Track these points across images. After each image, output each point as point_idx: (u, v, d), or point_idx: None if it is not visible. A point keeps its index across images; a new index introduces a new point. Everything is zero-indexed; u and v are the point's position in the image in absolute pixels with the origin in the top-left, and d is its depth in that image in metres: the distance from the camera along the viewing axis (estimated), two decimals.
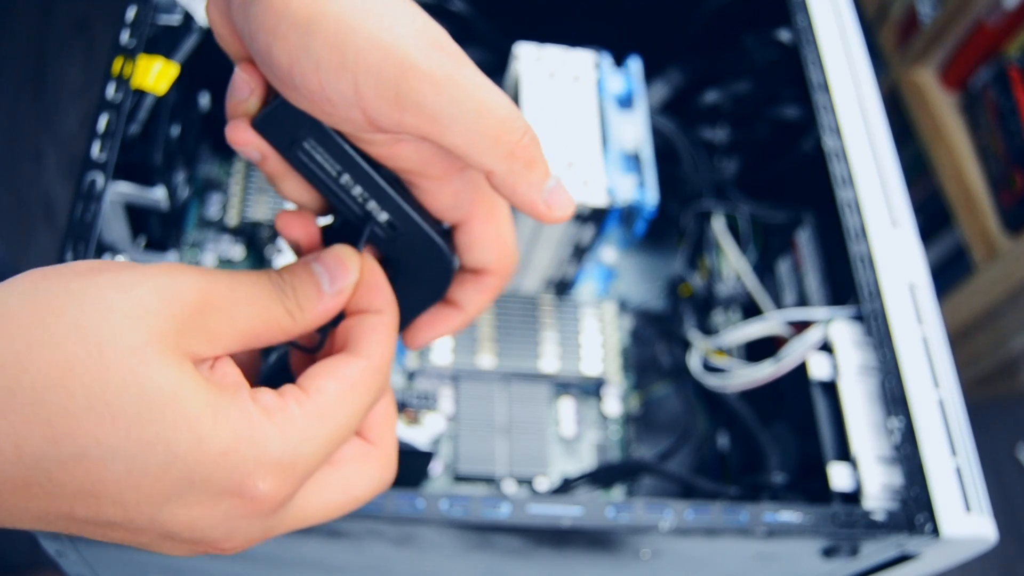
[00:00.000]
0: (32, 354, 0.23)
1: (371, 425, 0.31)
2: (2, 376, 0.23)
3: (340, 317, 0.31)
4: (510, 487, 0.55)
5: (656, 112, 0.61)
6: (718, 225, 0.58)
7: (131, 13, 0.46)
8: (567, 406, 0.58)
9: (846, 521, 0.40)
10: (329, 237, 0.32)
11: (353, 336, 0.30)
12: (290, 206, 0.33)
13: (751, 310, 0.57)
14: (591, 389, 0.59)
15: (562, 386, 0.59)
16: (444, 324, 0.35)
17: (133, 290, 0.25)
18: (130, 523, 0.25)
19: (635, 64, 0.57)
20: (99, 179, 0.41)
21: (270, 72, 0.28)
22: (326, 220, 0.33)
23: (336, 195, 0.31)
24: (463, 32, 0.60)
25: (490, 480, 0.55)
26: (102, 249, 0.49)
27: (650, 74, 0.61)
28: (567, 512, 0.39)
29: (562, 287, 0.60)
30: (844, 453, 0.45)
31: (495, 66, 0.59)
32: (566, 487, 0.52)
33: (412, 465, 0.48)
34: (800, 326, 0.50)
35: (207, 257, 0.58)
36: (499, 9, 0.59)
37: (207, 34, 0.50)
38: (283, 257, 0.56)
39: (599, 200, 0.50)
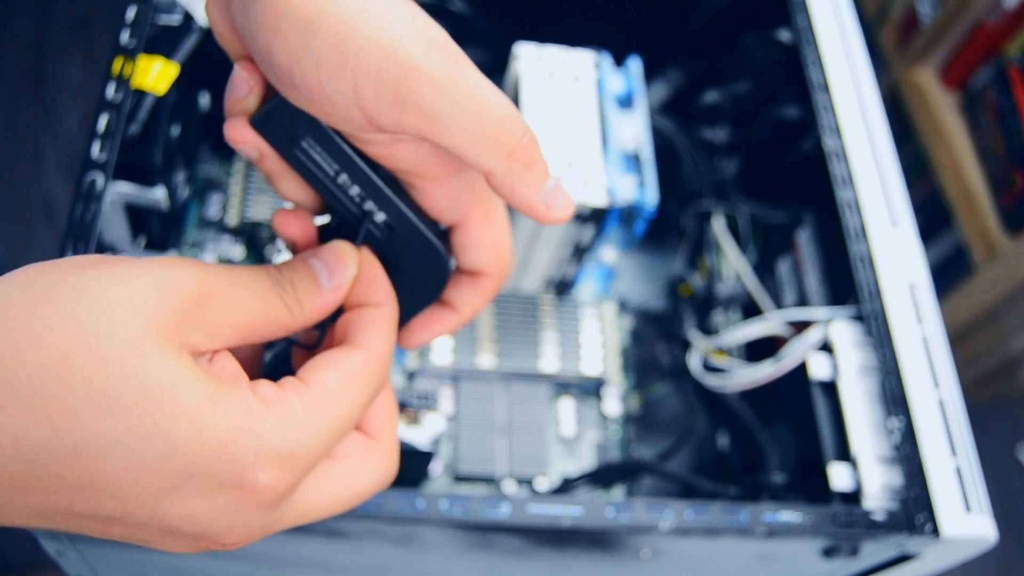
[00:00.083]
0: (30, 346, 0.23)
1: (372, 419, 0.31)
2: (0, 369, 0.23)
3: (338, 313, 0.31)
4: (510, 487, 0.55)
5: (656, 112, 0.61)
6: (718, 225, 0.58)
7: (131, 13, 0.46)
8: (567, 406, 0.58)
9: (846, 521, 0.40)
10: (326, 237, 0.32)
11: (353, 329, 0.30)
12: (289, 206, 0.33)
13: (751, 310, 0.57)
14: (591, 389, 0.59)
15: (562, 386, 0.59)
16: (439, 325, 0.35)
17: (131, 282, 0.25)
18: (130, 517, 0.25)
19: (635, 64, 0.57)
20: (99, 179, 0.41)
21: (269, 71, 0.28)
22: (323, 219, 0.33)
23: (333, 195, 0.31)
24: (463, 32, 0.60)
25: (490, 480, 0.55)
26: (102, 249, 0.49)
27: (650, 74, 0.61)
28: (567, 512, 0.39)
29: (562, 287, 0.60)
30: (844, 453, 0.45)
31: (495, 66, 0.59)
32: (566, 487, 0.52)
33: (412, 465, 0.48)
34: (800, 326, 0.50)
35: (207, 257, 0.58)
36: (499, 9, 0.59)
37: (207, 34, 0.50)
38: (283, 257, 0.56)
39: (599, 200, 0.50)
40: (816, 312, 0.49)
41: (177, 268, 0.26)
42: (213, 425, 0.25)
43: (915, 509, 0.41)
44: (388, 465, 0.31)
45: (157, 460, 0.24)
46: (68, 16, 1.56)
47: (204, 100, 0.58)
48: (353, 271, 0.31)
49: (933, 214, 1.27)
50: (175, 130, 0.51)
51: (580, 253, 0.56)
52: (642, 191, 0.52)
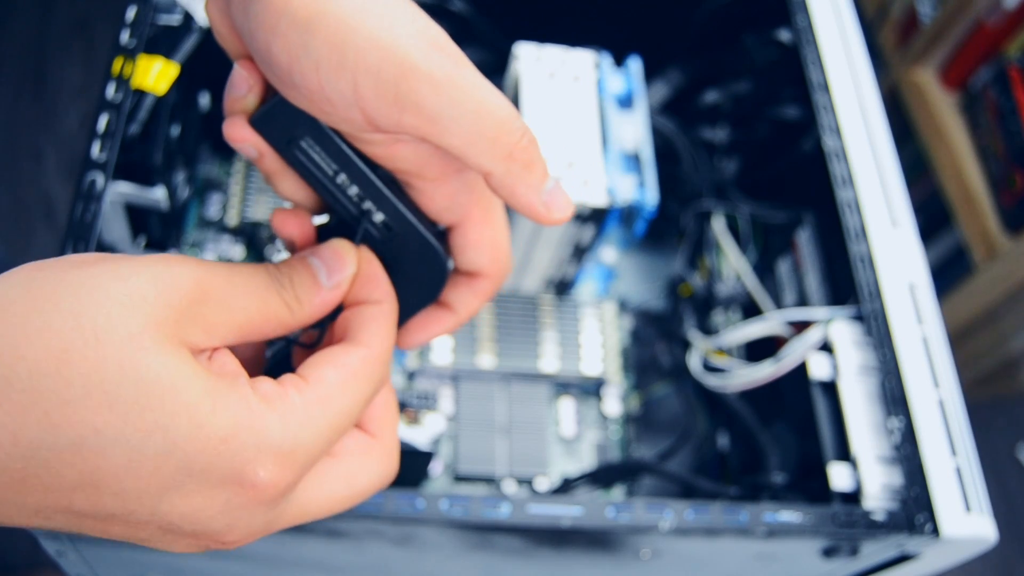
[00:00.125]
0: (29, 342, 0.23)
1: (372, 418, 0.31)
2: None
3: (337, 312, 0.31)
4: (510, 487, 0.55)
5: (656, 112, 0.61)
6: (718, 225, 0.58)
7: (131, 13, 0.46)
8: (567, 406, 0.58)
9: (846, 521, 0.40)
10: (324, 236, 0.32)
11: (353, 326, 0.30)
12: (288, 206, 0.33)
13: (751, 310, 0.57)
14: (591, 389, 0.59)
15: (562, 386, 0.59)
16: (437, 325, 0.35)
17: (130, 279, 0.25)
18: (130, 515, 0.25)
19: (635, 64, 0.57)
20: (99, 179, 0.41)
21: (269, 70, 0.28)
22: (322, 219, 0.33)
23: (332, 194, 0.31)
24: (463, 32, 0.60)
25: (490, 480, 0.55)
26: (102, 249, 0.49)
27: (650, 74, 0.61)
28: (567, 512, 0.39)
29: (562, 287, 0.60)
30: (844, 453, 0.45)
31: (495, 66, 0.59)
32: (566, 487, 0.52)
33: (412, 465, 0.48)
34: (800, 326, 0.50)
35: (207, 257, 0.58)
36: (499, 9, 0.59)
37: (207, 34, 0.50)
38: (283, 257, 0.56)
39: (599, 200, 0.50)
40: (816, 312, 0.49)
41: (176, 265, 0.26)
42: (213, 421, 0.24)
43: (915, 509, 0.41)
44: (388, 463, 0.31)
45: (157, 456, 0.24)
46: (68, 16, 1.56)
47: (204, 100, 0.58)
48: (352, 269, 0.31)
49: (933, 214, 1.27)
50: (175, 130, 0.51)
51: (580, 253, 0.56)
52: (642, 191, 0.52)
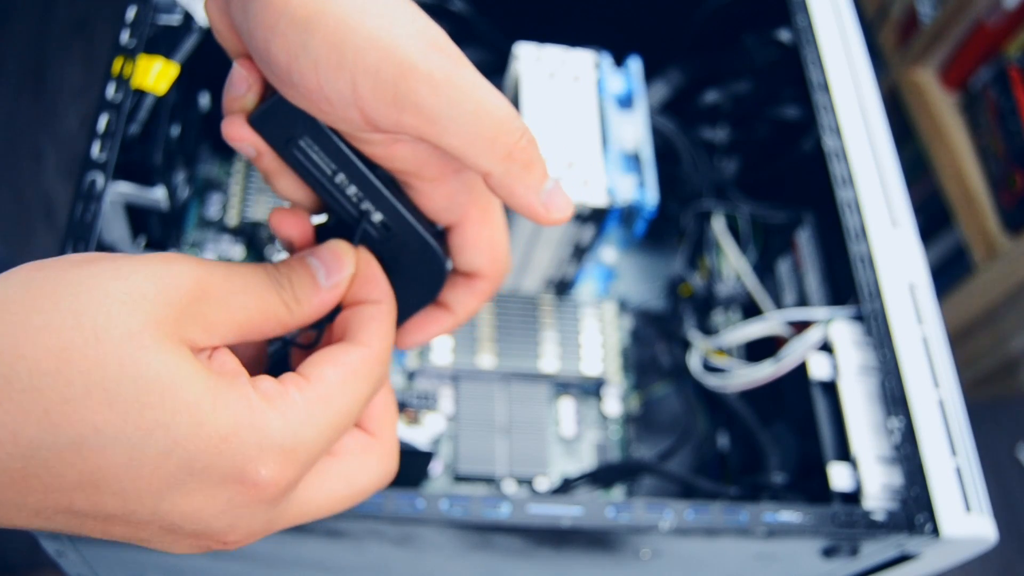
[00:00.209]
0: (28, 341, 0.23)
1: (371, 417, 0.31)
2: None
3: (335, 313, 0.31)
4: (510, 487, 0.55)
5: (656, 112, 0.61)
6: (718, 225, 0.58)
7: (131, 13, 0.46)
8: (567, 406, 0.58)
9: (846, 521, 0.40)
10: (323, 236, 0.32)
11: (352, 326, 0.30)
12: (287, 205, 0.33)
13: (751, 310, 0.57)
14: (591, 389, 0.59)
15: (562, 386, 0.59)
16: (435, 326, 0.35)
17: (129, 278, 0.25)
18: (131, 515, 0.25)
19: (635, 64, 0.57)
20: (99, 179, 0.41)
21: (268, 69, 0.28)
22: (320, 219, 0.33)
23: (331, 194, 0.31)
24: (463, 32, 0.60)
25: (490, 480, 0.55)
26: (102, 249, 0.49)
27: (650, 74, 0.61)
28: (567, 512, 0.39)
29: (562, 287, 0.60)
30: (844, 453, 0.45)
31: (495, 66, 0.59)
32: (566, 487, 0.52)
33: (412, 465, 0.48)
34: (800, 326, 0.50)
35: (207, 257, 0.58)
36: (499, 9, 0.59)
37: (207, 34, 0.50)
38: (283, 258, 0.56)
39: (599, 200, 0.50)
40: (816, 312, 0.49)
41: (175, 264, 0.26)
42: (214, 419, 0.24)
43: (915, 509, 0.41)
44: (388, 463, 0.31)
45: (158, 455, 0.24)
46: (68, 16, 1.56)
47: (204, 100, 0.58)
48: (351, 270, 0.31)
49: (933, 214, 1.27)
50: (175, 130, 0.51)
51: (580, 253, 0.56)
52: (642, 191, 0.52)
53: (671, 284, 0.61)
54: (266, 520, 0.27)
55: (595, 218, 0.52)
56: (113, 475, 0.24)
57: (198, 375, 0.25)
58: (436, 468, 0.55)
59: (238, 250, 0.59)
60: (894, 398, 0.44)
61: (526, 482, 0.55)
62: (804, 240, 0.56)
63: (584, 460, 0.57)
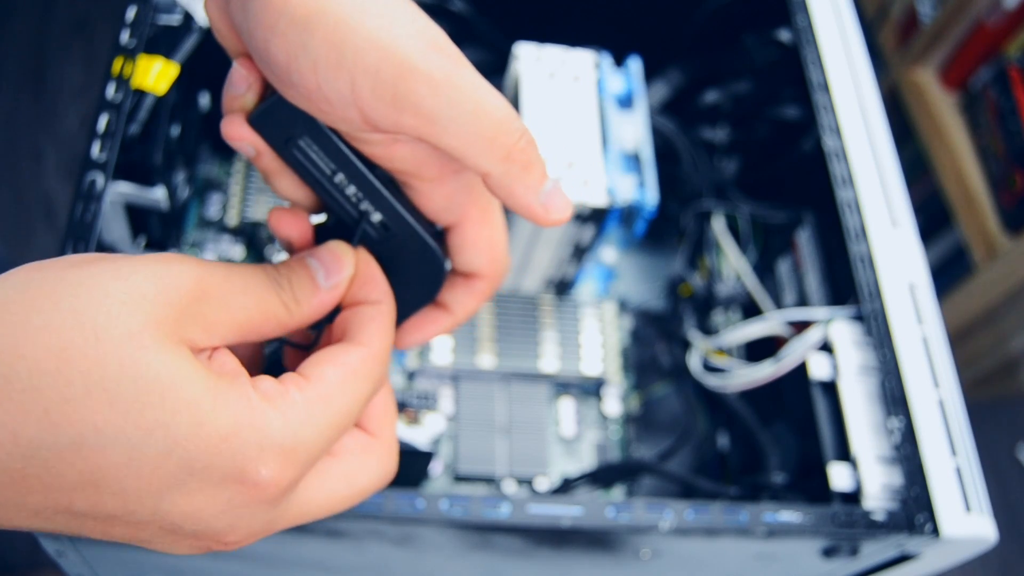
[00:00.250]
0: (28, 341, 0.23)
1: (371, 417, 0.31)
2: None
3: (334, 314, 0.31)
4: (510, 487, 0.55)
5: (656, 112, 0.61)
6: (718, 225, 0.58)
7: (131, 13, 0.46)
8: (567, 406, 0.58)
9: (846, 521, 0.40)
10: (322, 236, 0.32)
11: (351, 326, 0.30)
12: (287, 205, 0.33)
13: (751, 310, 0.57)
14: (591, 389, 0.59)
15: (562, 386, 0.59)
16: (434, 326, 0.35)
17: (129, 278, 0.25)
18: (131, 516, 0.25)
19: (635, 64, 0.57)
20: (99, 179, 0.41)
21: (267, 69, 0.28)
22: (319, 218, 0.33)
23: (330, 194, 0.31)
24: (463, 32, 0.60)
25: (490, 480, 0.55)
26: (102, 249, 0.49)
27: (650, 74, 0.61)
28: (567, 512, 0.39)
29: (562, 287, 0.60)
30: (844, 453, 0.45)
31: (495, 66, 0.59)
32: (566, 487, 0.52)
33: (412, 465, 0.48)
34: (800, 326, 0.50)
35: (207, 257, 0.58)
36: (499, 9, 0.59)
37: (207, 34, 0.50)
38: (282, 258, 0.56)
39: (599, 200, 0.50)
40: (816, 312, 0.49)
41: (175, 264, 0.26)
42: (214, 419, 0.24)
43: (915, 509, 0.41)
44: (388, 462, 0.31)
45: (158, 455, 0.24)
46: (68, 16, 1.56)
47: (204, 100, 0.58)
48: (350, 270, 0.31)
49: (933, 214, 1.27)
50: (175, 130, 0.51)
51: (580, 253, 0.56)
52: (642, 191, 0.52)
53: (671, 284, 0.61)
54: (266, 520, 0.27)
55: (595, 218, 0.52)
56: (113, 475, 0.24)
57: (198, 375, 0.25)
58: (436, 468, 0.55)
59: (238, 250, 0.59)
60: (894, 398, 0.44)
61: (526, 482, 0.55)
62: (804, 240, 0.56)
63: (584, 460, 0.57)
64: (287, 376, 0.28)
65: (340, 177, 0.31)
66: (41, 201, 1.39)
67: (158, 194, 0.50)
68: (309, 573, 0.46)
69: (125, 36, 0.45)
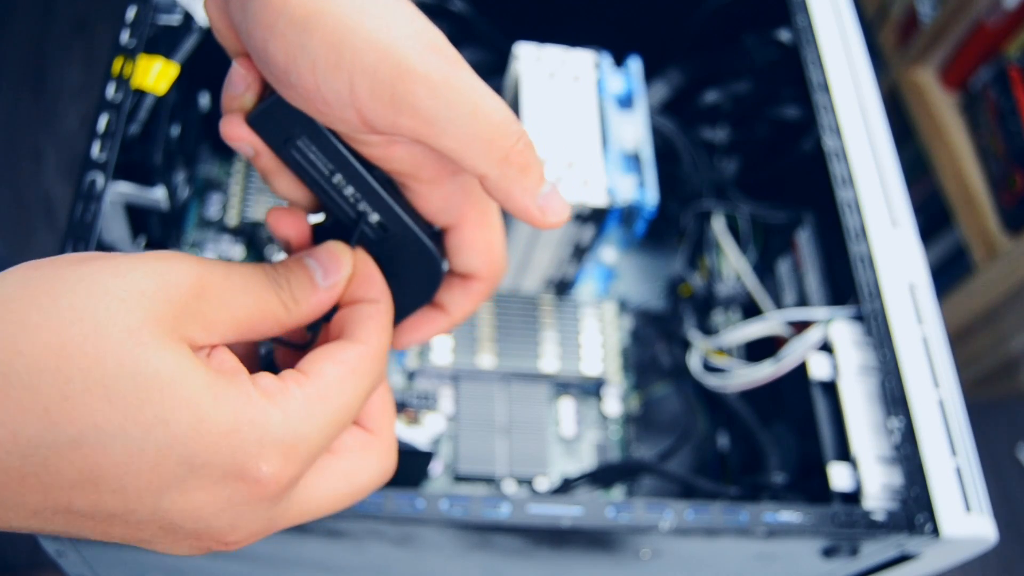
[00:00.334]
0: (27, 338, 0.23)
1: (369, 414, 0.31)
2: None
3: (331, 314, 0.31)
4: (510, 487, 0.55)
5: (656, 112, 0.61)
6: (718, 225, 0.58)
7: (131, 13, 0.46)
8: (567, 406, 0.58)
9: (846, 521, 0.40)
10: (320, 236, 0.32)
11: (349, 324, 0.30)
12: (286, 205, 0.33)
13: (751, 310, 0.57)
14: (591, 389, 0.59)
15: (562, 386, 0.59)
16: (430, 326, 0.35)
17: (128, 275, 0.25)
18: (131, 514, 0.24)
19: (635, 64, 0.57)
20: (99, 179, 0.41)
21: (266, 69, 0.28)
22: (317, 218, 0.33)
23: (328, 194, 0.31)
24: (463, 32, 0.60)
25: (490, 480, 0.55)
26: (102, 249, 0.49)
27: (650, 74, 0.61)
28: (567, 512, 0.39)
29: (562, 287, 0.60)
30: (844, 453, 0.45)
31: (495, 66, 0.59)
32: (566, 487, 0.52)
33: (412, 465, 0.48)
34: (800, 326, 0.50)
35: (207, 257, 0.58)
36: (499, 9, 0.59)
37: (207, 34, 0.50)
38: (282, 258, 0.56)
39: (599, 200, 0.50)
40: (816, 312, 0.49)
41: (174, 261, 0.26)
42: (214, 415, 0.24)
43: (915, 509, 0.41)
44: (387, 460, 0.31)
45: (158, 452, 0.24)
46: (68, 16, 1.56)
47: (204, 100, 0.58)
48: (348, 270, 0.31)
49: (933, 214, 1.27)
50: (175, 130, 0.51)
51: (580, 253, 0.56)
52: (642, 191, 0.52)
53: (671, 284, 0.61)
54: (267, 519, 0.27)
55: (595, 218, 0.52)
56: (112, 473, 0.24)
57: (197, 372, 0.24)
58: (436, 468, 0.55)
59: (238, 250, 0.59)
60: (894, 398, 0.44)
61: (526, 482, 0.55)
62: (804, 240, 0.56)
63: (584, 460, 0.57)
64: (286, 373, 0.28)
65: (338, 178, 0.31)
66: (41, 201, 1.39)
67: (158, 194, 0.50)
68: (309, 573, 0.46)
69: (125, 36, 0.45)
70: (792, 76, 0.56)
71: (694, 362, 0.55)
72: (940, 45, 1.27)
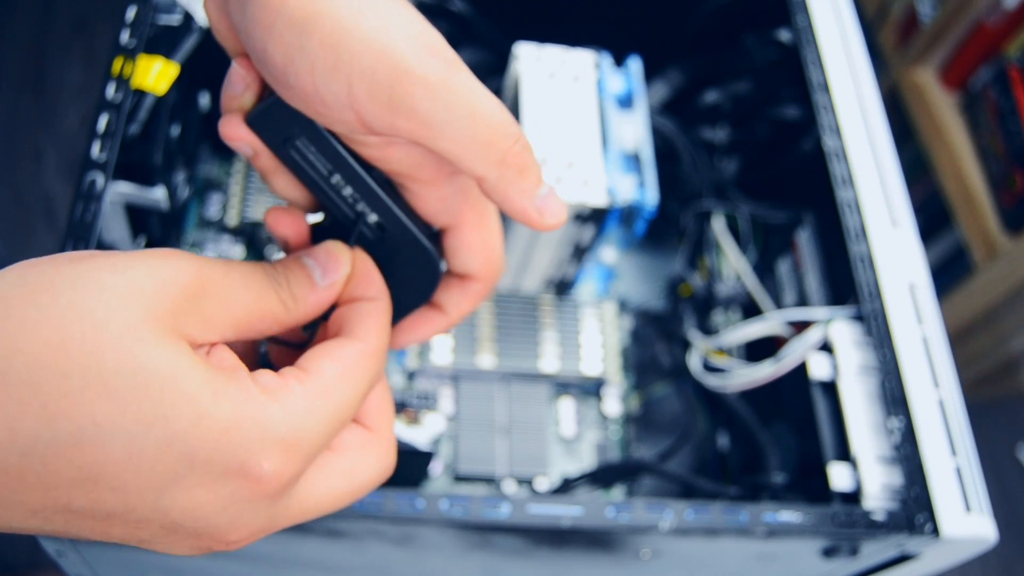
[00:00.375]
0: (25, 334, 0.23)
1: (369, 412, 0.31)
2: None
3: (328, 313, 0.31)
4: (510, 487, 0.55)
5: (656, 112, 0.61)
6: (718, 225, 0.58)
7: (131, 13, 0.46)
8: (567, 406, 0.58)
9: (846, 521, 0.40)
10: (318, 235, 0.32)
11: (348, 322, 0.30)
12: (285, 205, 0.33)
13: (751, 310, 0.57)
14: (591, 389, 0.59)
15: (562, 386, 0.59)
16: (428, 326, 0.35)
17: (127, 271, 0.25)
18: (131, 513, 0.24)
19: (635, 64, 0.57)
20: (99, 179, 0.41)
21: (265, 70, 0.28)
22: (316, 218, 0.33)
23: (326, 194, 0.31)
24: (463, 32, 0.60)
25: (490, 480, 0.55)
26: (102, 249, 0.49)
27: (650, 74, 0.61)
28: (567, 512, 0.39)
29: (562, 287, 0.60)
30: (844, 453, 0.45)
31: (495, 66, 0.59)
32: (566, 487, 0.52)
33: (412, 465, 0.48)
34: (800, 326, 0.50)
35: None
36: (499, 9, 0.59)
37: (207, 34, 0.50)
38: (280, 257, 0.56)
39: (599, 200, 0.50)
40: (816, 312, 0.49)
41: (172, 259, 0.26)
42: (215, 411, 0.24)
43: (915, 509, 0.41)
44: (387, 458, 0.31)
45: (158, 448, 0.23)
46: (68, 16, 1.56)
47: (204, 100, 0.58)
48: (347, 269, 0.31)
49: (933, 214, 1.27)
50: (175, 130, 0.51)
51: (580, 253, 0.56)
52: (642, 191, 0.52)
53: (671, 284, 0.61)
54: (268, 517, 0.27)
55: (595, 218, 0.52)
56: (112, 470, 0.23)
57: (197, 368, 0.24)
58: (436, 468, 0.55)
59: (238, 250, 0.59)
60: (894, 398, 0.44)
61: (526, 482, 0.55)
62: (804, 240, 0.56)
63: (584, 460, 0.57)
64: (286, 370, 0.27)
65: (337, 178, 0.31)
66: (41, 201, 1.39)
67: (158, 194, 0.50)
68: (309, 573, 0.46)
69: (125, 36, 0.45)
70: (792, 76, 0.56)
71: (694, 362, 0.55)
72: (940, 45, 1.27)
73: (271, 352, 0.34)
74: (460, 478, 0.55)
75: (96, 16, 1.57)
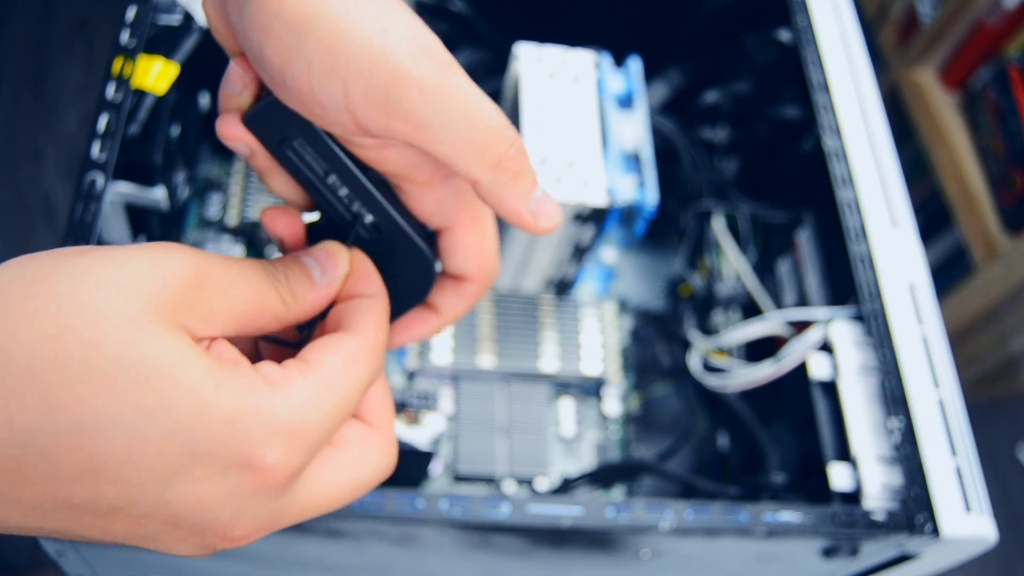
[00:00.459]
0: (25, 325, 0.22)
1: (369, 408, 0.31)
2: None
3: (325, 313, 0.31)
4: (510, 487, 0.55)
5: (656, 112, 0.61)
6: (718, 225, 0.58)
7: (131, 13, 0.46)
8: (567, 406, 0.58)
9: (846, 521, 0.40)
10: (314, 235, 0.33)
11: (347, 317, 0.30)
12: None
13: (751, 310, 0.57)
14: (591, 389, 0.59)
15: (562, 386, 0.59)
16: (422, 327, 0.35)
17: (127, 263, 0.24)
18: (132, 507, 0.24)
19: (635, 64, 0.57)
20: (99, 179, 0.41)
21: (262, 70, 0.28)
22: (312, 217, 0.33)
23: (322, 194, 0.31)
24: (463, 32, 0.60)
25: (490, 480, 0.55)
26: None
27: (650, 74, 0.61)
28: (567, 512, 0.39)
29: (562, 287, 0.60)
30: (844, 453, 0.45)
31: (495, 66, 0.59)
32: (566, 487, 0.52)
33: (412, 465, 0.48)
34: (800, 326, 0.50)
35: None
36: (499, 9, 0.59)
37: (207, 34, 0.50)
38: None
39: (599, 200, 0.50)
40: (816, 312, 0.49)
41: (173, 252, 0.26)
42: (217, 402, 0.24)
43: (915, 509, 0.41)
44: (388, 453, 0.31)
45: (160, 439, 0.23)
46: (68, 16, 1.56)
47: (204, 100, 0.58)
48: (345, 268, 0.31)
49: (933, 214, 1.27)
50: (175, 130, 0.51)
51: (580, 253, 0.56)
52: (642, 191, 0.52)
53: (671, 284, 0.61)
54: (270, 511, 0.26)
55: (595, 218, 0.52)
56: (113, 462, 0.23)
57: (199, 359, 0.24)
58: (436, 468, 0.55)
59: (238, 250, 0.59)
60: (894, 398, 0.44)
61: (526, 482, 0.55)
62: (804, 240, 0.56)
63: (584, 460, 0.57)
64: (288, 362, 0.27)
65: (333, 178, 0.31)
66: (41, 201, 1.39)
67: (158, 194, 0.50)
68: (309, 573, 0.46)
69: (125, 36, 0.45)
70: (792, 76, 0.56)
71: (694, 362, 0.55)
72: (940, 45, 1.27)
73: (266, 351, 0.34)
74: (460, 478, 0.55)
75: (96, 16, 1.57)
